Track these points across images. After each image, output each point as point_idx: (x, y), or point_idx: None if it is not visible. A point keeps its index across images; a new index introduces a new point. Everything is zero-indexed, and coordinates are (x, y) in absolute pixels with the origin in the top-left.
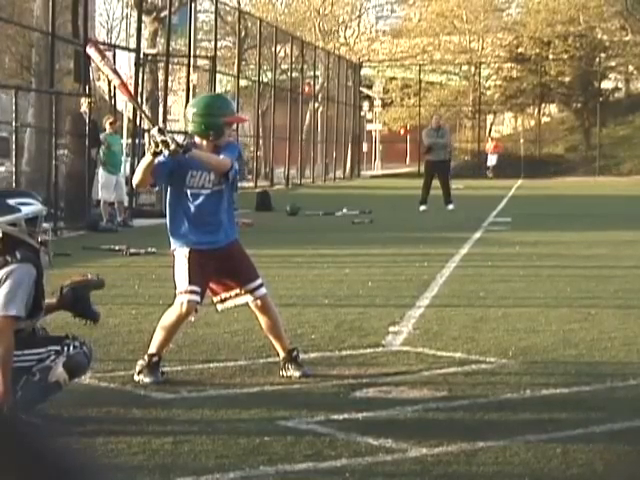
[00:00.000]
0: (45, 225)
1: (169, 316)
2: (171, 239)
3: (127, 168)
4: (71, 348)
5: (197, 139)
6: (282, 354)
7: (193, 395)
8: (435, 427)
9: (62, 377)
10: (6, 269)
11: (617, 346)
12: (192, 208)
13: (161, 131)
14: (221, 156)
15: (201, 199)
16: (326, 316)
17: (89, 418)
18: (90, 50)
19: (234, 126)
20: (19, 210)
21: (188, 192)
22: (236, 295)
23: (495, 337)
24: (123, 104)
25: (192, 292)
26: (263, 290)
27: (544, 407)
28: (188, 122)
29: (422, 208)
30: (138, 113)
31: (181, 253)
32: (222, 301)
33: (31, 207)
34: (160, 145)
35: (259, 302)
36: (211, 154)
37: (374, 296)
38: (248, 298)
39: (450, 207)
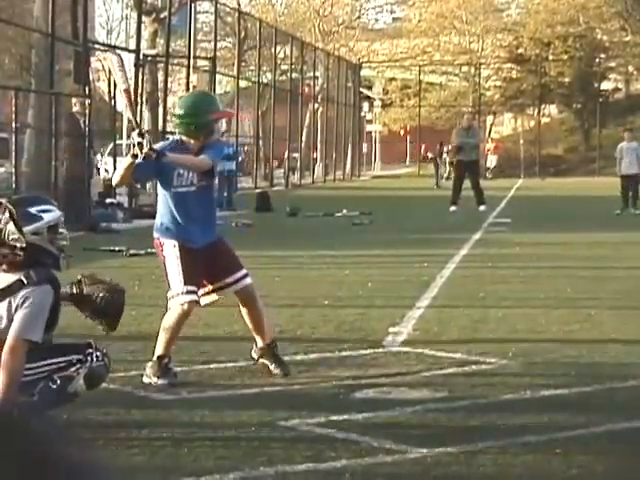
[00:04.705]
0: (63, 230)
1: (171, 318)
2: (159, 233)
3: None
4: (94, 359)
5: (185, 138)
6: (260, 344)
7: (193, 396)
8: (435, 428)
9: (80, 388)
10: (24, 292)
11: (617, 347)
12: (182, 206)
13: (141, 135)
14: (201, 156)
15: (190, 197)
16: (326, 317)
17: (89, 419)
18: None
19: (233, 126)
20: (41, 218)
21: (177, 190)
22: (221, 287)
23: (495, 338)
24: (123, 105)
25: (189, 292)
26: (248, 280)
27: (544, 408)
28: (176, 124)
29: (452, 209)
30: (138, 114)
31: (170, 245)
32: (207, 294)
33: (51, 214)
34: (136, 147)
35: (244, 291)
36: (187, 156)
37: (374, 297)
38: (233, 288)
39: (482, 208)
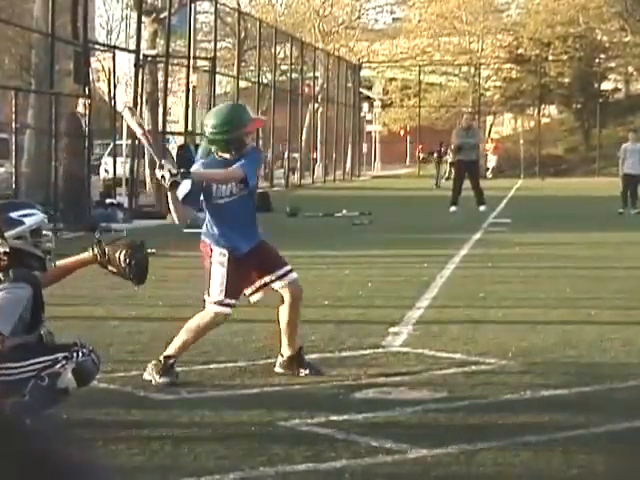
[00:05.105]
0: (47, 233)
1: (199, 322)
2: (209, 239)
3: (127, 168)
4: (80, 355)
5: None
6: (288, 352)
7: (193, 396)
8: (435, 428)
9: (70, 384)
10: None
11: (617, 347)
12: (226, 216)
13: (161, 166)
14: (234, 166)
15: (232, 206)
16: (326, 317)
17: (89, 419)
18: (125, 111)
19: None
20: (22, 222)
21: (218, 202)
22: (266, 283)
23: (495, 338)
24: (123, 105)
25: (227, 305)
26: (294, 275)
27: (544, 408)
28: (207, 139)
29: (452, 209)
30: (143, 119)
31: (220, 254)
32: (256, 291)
33: (33, 218)
34: (160, 180)
35: (291, 287)
36: (214, 171)
37: (374, 297)
38: (280, 284)
39: (482, 208)
